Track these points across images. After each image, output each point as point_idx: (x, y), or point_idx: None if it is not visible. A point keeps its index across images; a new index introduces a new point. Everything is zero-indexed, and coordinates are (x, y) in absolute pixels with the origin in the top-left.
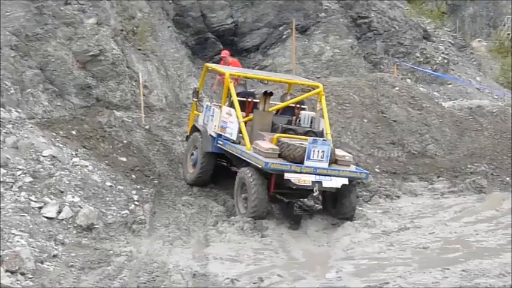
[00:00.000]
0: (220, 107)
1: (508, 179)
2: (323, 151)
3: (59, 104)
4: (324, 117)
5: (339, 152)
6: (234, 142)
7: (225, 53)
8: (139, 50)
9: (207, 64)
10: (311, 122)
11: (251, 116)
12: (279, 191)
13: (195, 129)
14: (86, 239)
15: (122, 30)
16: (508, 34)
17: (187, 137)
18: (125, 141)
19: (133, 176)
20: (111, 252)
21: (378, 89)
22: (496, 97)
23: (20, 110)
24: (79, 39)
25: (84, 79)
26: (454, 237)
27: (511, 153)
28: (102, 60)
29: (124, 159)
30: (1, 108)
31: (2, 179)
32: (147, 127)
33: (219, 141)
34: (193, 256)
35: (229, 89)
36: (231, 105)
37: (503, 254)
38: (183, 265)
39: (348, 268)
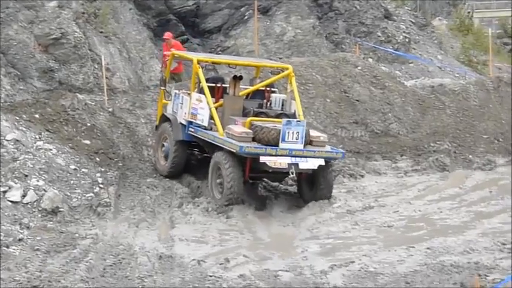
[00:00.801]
0: (189, 94)
1: (470, 156)
2: (297, 132)
3: (21, 87)
4: (295, 98)
5: (313, 132)
6: (205, 128)
7: (167, 35)
8: (101, 32)
9: (173, 51)
10: (282, 105)
11: (221, 101)
12: (254, 175)
13: (164, 119)
14: (51, 222)
15: (83, 13)
16: (468, 12)
17: (157, 127)
18: (88, 124)
19: (97, 158)
20: (77, 235)
21: (340, 68)
22: (457, 75)
23: None
24: (40, 22)
25: (46, 62)
26: (418, 215)
27: (472, 131)
28: (64, 44)
29: (88, 142)
30: None
31: None
32: (110, 110)
33: (190, 129)
34: (159, 238)
35: (198, 75)
36: (201, 91)
37: (467, 231)
38: (149, 247)
39: (314, 248)
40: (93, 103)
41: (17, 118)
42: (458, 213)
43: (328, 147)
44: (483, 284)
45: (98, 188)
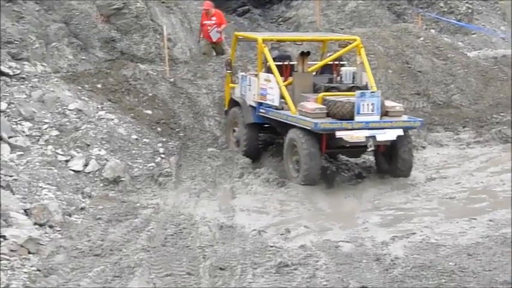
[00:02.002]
0: (256, 75)
1: None
2: (373, 104)
3: (83, 57)
4: (366, 70)
5: (388, 103)
6: (277, 108)
7: (207, 5)
8: (162, 3)
9: (237, 33)
10: (353, 78)
11: (290, 79)
12: (330, 151)
13: (233, 103)
14: (112, 191)
15: None
16: None
17: (226, 112)
18: (150, 94)
19: (158, 128)
20: (138, 204)
21: (402, 39)
22: None
23: (45, 64)
24: None
25: (108, 32)
26: (480, 187)
27: None
28: (126, 14)
29: (149, 112)
30: (27, 62)
31: (28, 133)
32: (171, 80)
33: (261, 110)
34: (220, 208)
35: (264, 55)
36: (268, 71)
37: None
38: (209, 217)
39: (375, 219)
40: (154, 73)
41: (79, 88)
42: None
43: (405, 117)
44: None
45: (159, 158)
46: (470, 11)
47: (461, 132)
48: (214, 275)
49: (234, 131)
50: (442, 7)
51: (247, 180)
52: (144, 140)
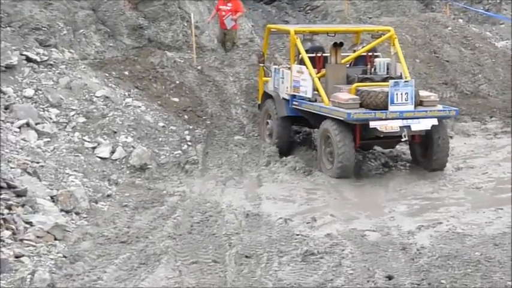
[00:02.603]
0: (289, 67)
1: None
2: (407, 93)
3: (111, 44)
4: (400, 61)
5: (422, 92)
6: (310, 100)
7: None
8: None
9: (269, 25)
10: (387, 69)
11: (323, 71)
12: (365, 142)
13: (266, 96)
14: (139, 179)
15: None
16: None
17: (259, 106)
18: (177, 82)
19: (185, 116)
20: (165, 192)
21: (430, 29)
22: None
23: (72, 51)
24: None
25: (136, 20)
26: (507, 177)
27: None
28: (153, 1)
29: (176, 99)
30: (54, 49)
31: (56, 119)
32: (199, 68)
33: (294, 102)
34: (246, 196)
35: (297, 47)
36: (301, 62)
37: None
38: (236, 205)
39: (401, 208)
40: (181, 61)
41: (107, 75)
42: None
43: (440, 106)
44: None
45: (185, 146)
46: (498, 0)
47: (488, 122)
48: (240, 262)
49: (267, 123)
50: None
51: (273, 169)
52: (171, 127)
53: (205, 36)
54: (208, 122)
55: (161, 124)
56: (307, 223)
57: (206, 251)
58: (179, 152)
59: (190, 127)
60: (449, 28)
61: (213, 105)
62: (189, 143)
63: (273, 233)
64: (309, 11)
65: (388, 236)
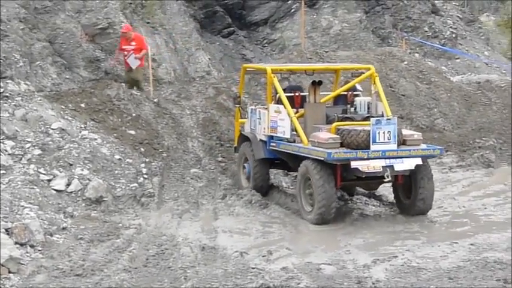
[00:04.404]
0: (265, 108)
1: None
2: (389, 131)
3: (67, 76)
4: (381, 99)
5: (405, 131)
6: (288, 141)
7: (126, 28)
8: (147, 23)
9: (245, 65)
10: (368, 108)
11: (302, 110)
12: (346, 183)
13: (243, 139)
14: (95, 211)
15: (130, 3)
16: None
17: (235, 149)
18: (133, 115)
19: (142, 149)
20: (120, 225)
21: (386, 63)
22: (504, 72)
23: (28, 83)
24: (88, 12)
25: (92, 52)
26: (462, 211)
27: None
28: (110, 33)
29: (133, 132)
30: (10, 81)
31: (11, 151)
32: (155, 100)
33: (272, 144)
34: (202, 229)
35: (274, 86)
36: (278, 102)
37: None
38: (192, 238)
39: (357, 242)
40: (138, 93)
41: (63, 107)
42: (502, 210)
43: (423, 145)
44: None
45: (142, 178)
46: (454, 35)
47: (444, 156)
48: None
49: (244, 167)
50: (426, 31)
51: (229, 202)
52: (127, 160)
53: (162, 68)
54: (165, 155)
55: (117, 157)
56: (263, 256)
57: (161, 284)
58: (135, 184)
59: (147, 160)
60: (405, 62)
61: (170, 138)
62: (145, 176)
63: (229, 266)
64: (266, 44)
65: (344, 269)
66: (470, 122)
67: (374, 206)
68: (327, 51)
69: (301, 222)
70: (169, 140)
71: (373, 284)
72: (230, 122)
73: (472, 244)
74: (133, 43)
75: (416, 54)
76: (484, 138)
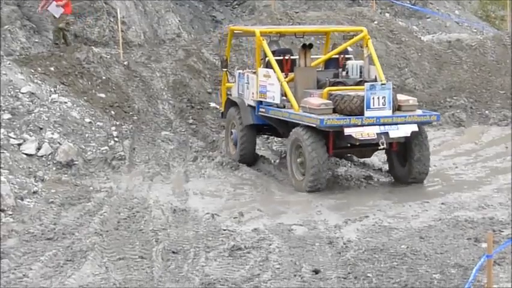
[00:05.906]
0: (254, 72)
1: (486, 112)
2: (384, 97)
3: (36, 40)
4: (374, 63)
5: (401, 96)
6: (278, 106)
7: None
8: None
9: (232, 27)
10: (360, 72)
11: (292, 75)
12: (339, 151)
13: (230, 103)
14: (65, 175)
15: None
16: None
17: (222, 115)
18: (103, 78)
19: (112, 112)
20: (91, 188)
21: (356, 23)
22: (474, 30)
23: None
24: None
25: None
26: (433, 170)
27: (489, 86)
28: None
29: (103, 95)
30: None
31: None
32: (125, 63)
33: (261, 109)
34: (173, 191)
35: (262, 49)
36: (267, 66)
37: (482, 186)
38: (163, 200)
39: (328, 202)
40: (108, 56)
41: (32, 71)
42: (473, 169)
43: (419, 111)
44: (497, 239)
45: (112, 142)
46: None
47: None
48: (167, 258)
49: (231, 133)
50: None
51: (200, 164)
52: (98, 123)
53: (131, 31)
54: (135, 118)
55: (88, 120)
56: (234, 218)
57: (133, 247)
58: (106, 148)
59: (117, 123)
60: (376, 22)
61: (140, 100)
62: (116, 139)
63: (200, 228)
64: (236, 6)
65: (315, 230)
66: (441, 82)
67: (345, 166)
68: (297, 12)
69: (273, 184)
70: (139, 103)
71: (345, 244)
72: (201, 84)
73: (443, 203)
74: None
75: (387, 14)
76: (454, 98)
